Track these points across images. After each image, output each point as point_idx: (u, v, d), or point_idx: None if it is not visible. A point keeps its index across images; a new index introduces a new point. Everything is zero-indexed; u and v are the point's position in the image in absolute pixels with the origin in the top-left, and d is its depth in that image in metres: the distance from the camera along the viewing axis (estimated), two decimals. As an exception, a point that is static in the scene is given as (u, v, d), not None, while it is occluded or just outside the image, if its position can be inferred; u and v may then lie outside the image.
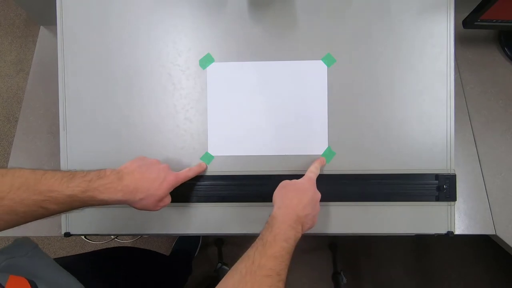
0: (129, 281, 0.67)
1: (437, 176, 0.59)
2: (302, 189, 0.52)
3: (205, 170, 0.61)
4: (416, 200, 0.59)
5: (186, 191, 0.61)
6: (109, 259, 0.69)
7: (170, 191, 0.53)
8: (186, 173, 0.56)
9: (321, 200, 0.60)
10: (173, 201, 0.61)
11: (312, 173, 0.56)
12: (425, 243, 1.30)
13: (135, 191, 0.47)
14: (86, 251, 0.68)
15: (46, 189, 0.41)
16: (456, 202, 0.59)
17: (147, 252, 0.85)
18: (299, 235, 0.48)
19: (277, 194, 0.53)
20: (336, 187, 0.60)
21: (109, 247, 0.74)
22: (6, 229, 0.41)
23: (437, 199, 0.59)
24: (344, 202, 0.60)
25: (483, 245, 1.27)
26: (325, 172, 0.60)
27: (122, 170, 0.48)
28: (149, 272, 0.77)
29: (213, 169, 0.61)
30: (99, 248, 0.71)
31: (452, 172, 0.59)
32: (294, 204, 0.49)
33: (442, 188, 0.58)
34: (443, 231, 0.59)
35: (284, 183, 0.54)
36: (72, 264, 0.53)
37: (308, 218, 0.50)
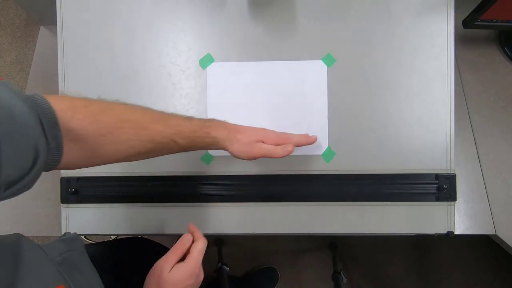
0: (142, 275, 0.67)
1: (437, 176, 0.59)
2: (176, 284, 0.46)
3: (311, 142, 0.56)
4: (416, 200, 0.59)
5: (186, 191, 0.61)
6: (128, 252, 0.70)
7: (270, 142, 0.52)
8: (298, 140, 0.54)
9: (321, 200, 0.60)
10: (173, 201, 0.62)
11: (196, 253, 0.48)
12: (425, 243, 1.30)
13: (235, 130, 0.51)
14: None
15: (176, 123, 0.46)
16: (456, 202, 0.59)
17: (158, 246, 0.86)
18: None
19: (150, 277, 0.49)
20: (336, 187, 0.60)
21: (128, 237, 0.74)
22: (145, 157, 0.45)
23: (437, 199, 0.59)
24: (344, 202, 0.60)
25: (483, 245, 1.27)
26: (325, 172, 0.60)
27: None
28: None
29: (213, 169, 0.61)
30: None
31: (452, 172, 0.59)
32: None
33: (442, 188, 0.58)
34: (443, 231, 0.59)
35: (159, 274, 0.47)
36: (96, 254, 0.54)
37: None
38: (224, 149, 0.51)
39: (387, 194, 0.59)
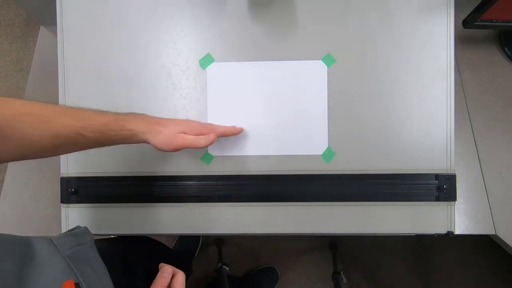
0: (147, 272, 0.68)
1: (437, 176, 0.59)
2: None
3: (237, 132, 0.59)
4: (416, 200, 0.59)
5: (187, 191, 0.61)
6: (134, 248, 0.70)
7: (193, 133, 0.52)
8: (222, 130, 0.55)
9: (321, 200, 0.60)
10: (173, 201, 0.62)
11: (179, 285, 0.49)
12: (425, 243, 1.30)
13: (154, 123, 0.50)
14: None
15: (84, 117, 0.44)
16: (456, 202, 0.59)
17: (161, 246, 0.86)
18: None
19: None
20: (336, 187, 0.60)
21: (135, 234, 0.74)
22: (50, 153, 0.44)
23: (437, 199, 0.59)
24: (344, 202, 0.60)
25: (483, 245, 1.27)
26: (325, 172, 0.60)
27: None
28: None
29: (213, 169, 0.61)
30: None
31: (452, 172, 0.59)
32: None
33: (442, 188, 0.58)
34: (443, 231, 0.59)
35: None
36: (102, 249, 0.55)
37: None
38: (145, 142, 0.50)
39: (387, 194, 0.59)
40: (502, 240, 0.64)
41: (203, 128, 0.53)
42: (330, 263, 1.24)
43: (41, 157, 0.43)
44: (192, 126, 0.53)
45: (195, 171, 0.62)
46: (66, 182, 0.62)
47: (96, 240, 0.64)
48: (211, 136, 0.52)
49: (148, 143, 0.50)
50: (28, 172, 0.72)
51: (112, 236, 0.70)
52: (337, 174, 0.60)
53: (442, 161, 0.59)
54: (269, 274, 1.27)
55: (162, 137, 0.49)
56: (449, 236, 0.59)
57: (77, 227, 0.50)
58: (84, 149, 0.46)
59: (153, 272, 0.68)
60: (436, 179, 0.59)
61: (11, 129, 0.38)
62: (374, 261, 1.30)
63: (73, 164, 0.62)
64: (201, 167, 0.62)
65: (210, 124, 0.55)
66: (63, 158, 0.62)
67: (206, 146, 0.52)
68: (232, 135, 0.58)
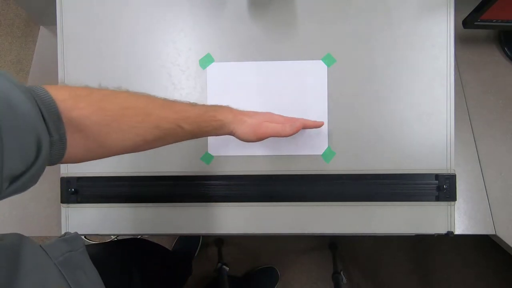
0: (143, 275, 0.67)
1: (437, 176, 0.59)
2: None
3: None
4: (416, 200, 0.59)
5: (186, 191, 0.61)
6: (130, 251, 0.70)
7: (275, 123, 0.52)
8: (304, 121, 0.54)
9: (321, 200, 0.60)
10: (173, 201, 0.62)
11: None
12: (425, 243, 1.30)
13: (241, 114, 0.51)
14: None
15: (181, 109, 0.45)
16: (456, 202, 0.59)
17: (159, 247, 0.86)
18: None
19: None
20: (336, 187, 0.60)
21: (131, 237, 0.74)
22: (151, 145, 0.44)
23: (437, 199, 0.59)
24: (344, 202, 0.60)
25: (483, 245, 1.27)
26: (325, 172, 0.60)
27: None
28: (158, 267, 0.78)
29: (213, 169, 0.61)
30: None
31: (452, 172, 0.59)
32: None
33: (442, 188, 0.58)
34: (443, 231, 0.59)
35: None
36: (97, 253, 0.54)
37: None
38: (231, 132, 0.51)
39: (387, 194, 0.59)
40: (502, 240, 0.64)
41: (286, 120, 0.53)
42: (330, 263, 1.24)
43: (141, 150, 0.44)
44: (275, 117, 0.53)
45: (195, 171, 0.62)
46: (66, 182, 0.62)
47: (89, 246, 0.64)
48: (297, 123, 0.51)
49: (234, 134, 0.51)
50: (28, 172, 0.72)
51: (111, 238, 0.70)
52: (337, 174, 0.60)
53: (442, 161, 0.59)
54: (269, 274, 1.27)
55: (246, 126, 0.50)
56: (449, 236, 0.59)
57: (67, 233, 0.49)
58: (180, 141, 0.47)
59: (150, 275, 0.68)
60: (436, 179, 0.59)
61: (117, 123, 0.38)
62: (374, 261, 1.29)
63: (73, 164, 0.62)
64: (201, 167, 0.62)
65: (292, 118, 0.55)
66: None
67: (292, 134, 0.52)
68: (315, 127, 0.57)
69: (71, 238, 0.46)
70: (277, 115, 0.54)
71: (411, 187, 0.59)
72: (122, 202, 0.62)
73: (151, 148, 0.45)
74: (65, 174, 0.62)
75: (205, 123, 0.47)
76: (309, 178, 0.60)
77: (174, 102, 0.46)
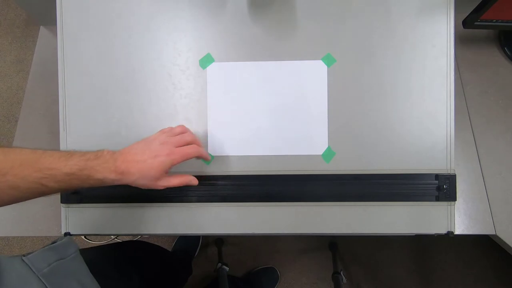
0: (143, 277, 0.67)
1: (437, 176, 0.59)
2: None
3: (207, 159, 0.59)
4: (416, 200, 0.59)
5: (186, 191, 0.61)
6: (127, 254, 0.69)
7: (166, 170, 0.49)
8: (185, 151, 0.51)
9: (321, 200, 0.60)
10: (173, 201, 0.62)
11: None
12: (425, 243, 1.30)
13: (126, 172, 0.46)
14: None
15: (46, 166, 0.41)
16: (456, 202, 0.59)
17: (157, 248, 0.85)
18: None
19: None
20: (336, 187, 0.60)
21: (127, 240, 0.74)
22: (9, 204, 0.42)
23: (437, 199, 0.59)
24: (344, 202, 0.60)
25: (483, 245, 1.27)
26: (325, 172, 0.60)
27: (119, 151, 0.49)
28: (162, 270, 0.78)
29: (213, 169, 0.61)
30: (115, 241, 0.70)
31: (452, 172, 0.59)
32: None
33: (442, 188, 0.58)
34: (443, 231, 0.59)
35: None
36: (93, 258, 0.53)
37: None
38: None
39: (387, 194, 0.59)
40: (502, 240, 0.64)
41: (171, 142, 0.51)
42: (330, 263, 1.24)
43: (1, 206, 0.41)
44: (157, 148, 0.50)
45: (195, 171, 0.62)
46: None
47: (87, 249, 0.63)
48: (183, 152, 0.50)
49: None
50: (28, 172, 0.72)
51: (111, 238, 0.70)
52: (337, 174, 0.60)
53: (442, 161, 0.59)
54: (269, 274, 1.27)
55: (137, 178, 0.47)
56: (449, 236, 0.59)
57: (59, 238, 0.47)
58: (48, 195, 0.44)
59: (150, 277, 0.68)
60: (436, 179, 0.59)
61: None
62: (374, 261, 1.30)
63: None
64: (201, 167, 0.62)
65: (179, 139, 0.53)
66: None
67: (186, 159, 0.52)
68: (199, 156, 0.56)
69: (61, 245, 0.44)
70: (160, 137, 0.52)
71: (411, 187, 0.59)
72: (122, 202, 0.62)
73: (13, 204, 0.42)
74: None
75: (78, 181, 0.44)
76: (309, 178, 0.60)
77: (42, 156, 0.42)
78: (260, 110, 0.61)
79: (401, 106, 0.60)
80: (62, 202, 0.62)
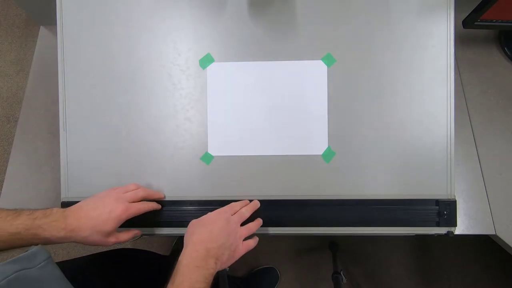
0: (132, 285, 0.66)
1: (437, 202, 0.59)
2: (209, 221, 0.51)
3: (160, 202, 0.60)
4: (416, 226, 0.59)
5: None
6: (112, 262, 0.69)
7: (119, 225, 0.51)
8: (139, 206, 0.54)
9: (320, 225, 0.60)
10: (172, 225, 0.61)
11: (224, 210, 0.54)
12: (425, 243, 1.30)
13: (77, 229, 0.47)
14: (87, 251, 0.68)
15: None
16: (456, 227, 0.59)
17: (149, 254, 0.84)
18: (212, 270, 0.48)
19: (186, 234, 0.51)
20: (335, 212, 0.59)
21: (111, 249, 0.73)
22: None
23: (438, 224, 0.59)
24: (344, 227, 0.60)
25: (483, 245, 1.27)
26: (325, 197, 0.60)
27: (69, 209, 0.49)
28: (151, 275, 0.77)
29: (213, 169, 0.61)
30: (99, 251, 0.70)
31: (452, 197, 0.59)
32: (204, 238, 0.48)
33: (442, 214, 0.58)
34: (443, 231, 0.59)
35: (192, 222, 0.53)
36: (76, 269, 0.53)
37: (223, 249, 0.49)
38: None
39: (388, 219, 0.59)
40: (502, 240, 0.64)
41: (122, 198, 0.52)
42: (330, 263, 1.24)
43: None
44: (107, 202, 0.51)
45: (195, 171, 0.62)
46: (66, 206, 0.60)
47: (72, 260, 0.61)
48: (133, 210, 0.52)
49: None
50: (28, 172, 0.72)
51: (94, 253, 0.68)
52: (338, 199, 0.59)
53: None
54: (269, 274, 1.27)
55: (88, 242, 0.47)
56: (449, 236, 0.59)
57: (28, 250, 0.45)
58: None
59: (140, 283, 0.66)
60: (436, 205, 0.58)
61: None
62: (374, 261, 1.30)
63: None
64: (201, 167, 0.62)
65: (127, 192, 0.54)
66: (63, 158, 0.62)
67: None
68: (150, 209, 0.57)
69: (27, 255, 0.42)
70: (112, 193, 0.52)
71: (412, 213, 0.58)
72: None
73: None
74: (66, 199, 0.62)
75: (24, 241, 0.43)
76: (310, 203, 0.60)
77: None
78: (260, 110, 0.61)
79: (401, 106, 0.60)
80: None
